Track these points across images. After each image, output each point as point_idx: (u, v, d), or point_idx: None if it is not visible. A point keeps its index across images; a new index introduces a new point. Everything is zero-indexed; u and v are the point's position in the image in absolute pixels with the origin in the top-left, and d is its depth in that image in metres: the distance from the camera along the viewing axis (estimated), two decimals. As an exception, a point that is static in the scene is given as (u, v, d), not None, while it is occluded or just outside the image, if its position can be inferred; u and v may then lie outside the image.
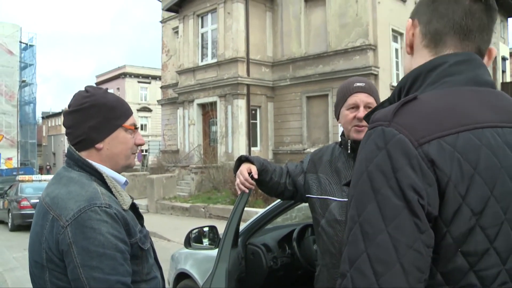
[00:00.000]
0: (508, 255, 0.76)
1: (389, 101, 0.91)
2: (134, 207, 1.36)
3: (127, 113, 1.39)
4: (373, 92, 1.78)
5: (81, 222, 1.16)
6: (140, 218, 1.39)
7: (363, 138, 0.82)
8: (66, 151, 1.37)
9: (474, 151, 0.74)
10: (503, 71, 25.99)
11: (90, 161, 1.32)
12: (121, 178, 1.39)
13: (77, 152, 1.33)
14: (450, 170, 0.73)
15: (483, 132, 0.76)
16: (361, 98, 1.76)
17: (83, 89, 1.37)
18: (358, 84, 1.78)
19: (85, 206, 1.18)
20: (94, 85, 1.40)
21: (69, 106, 1.34)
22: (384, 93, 14.17)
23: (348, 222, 0.77)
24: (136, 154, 1.46)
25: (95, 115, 1.31)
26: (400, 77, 1.09)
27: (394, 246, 0.70)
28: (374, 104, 1.74)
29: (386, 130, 0.76)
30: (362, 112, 1.73)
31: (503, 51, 25.59)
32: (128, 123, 1.38)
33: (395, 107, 0.79)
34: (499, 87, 23.94)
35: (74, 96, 1.35)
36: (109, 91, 1.42)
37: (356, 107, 1.76)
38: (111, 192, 1.29)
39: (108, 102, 1.34)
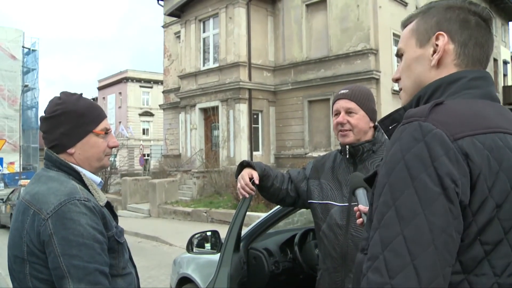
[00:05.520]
0: None
1: (404, 109, 0.96)
2: (109, 206, 1.43)
3: (98, 118, 1.45)
4: (355, 98, 1.83)
5: (61, 214, 1.23)
6: (115, 217, 1.46)
7: (395, 132, 0.86)
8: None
9: (498, 151, 0.81)
10: (505, 75, 25.98)
11: (68, 162, 1.39)
12: (96, 178, 1.46)
13: (55, 154, 1.39)
14: (481, 164, 0.79)
15: (505, 136, 0.84)
16: (341, 104, 1.84)
17: (58, 95, 1.44)
18: (342, 91, 1.88)
19: (65, 200, 1.25)
20: (69, 92, 1.46)
21: (44, 112, 1.41)
22: (386, 98, 14.19)
23: (379, 207, 0.81)
24: (110, 155, 1.53)
25: (65, 122, 1.37)
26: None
27: (430, 229, 0.74)
28: (354, 109, 1.82)
29: (423, 125, 0.81)
30: (341, 117, 1.82)
31: (504, 54, 25.58)
32: (98, 128, 1.43)
33: (430, 106, 0.84)
34: (500, 90, 23.92)
35: (48, 103, 1.42)
36: (83, 96, 1.47)
37: (338, 113, 1.85)
38: (88, 189, 1.37)
39: (78, 109, 1.40)
